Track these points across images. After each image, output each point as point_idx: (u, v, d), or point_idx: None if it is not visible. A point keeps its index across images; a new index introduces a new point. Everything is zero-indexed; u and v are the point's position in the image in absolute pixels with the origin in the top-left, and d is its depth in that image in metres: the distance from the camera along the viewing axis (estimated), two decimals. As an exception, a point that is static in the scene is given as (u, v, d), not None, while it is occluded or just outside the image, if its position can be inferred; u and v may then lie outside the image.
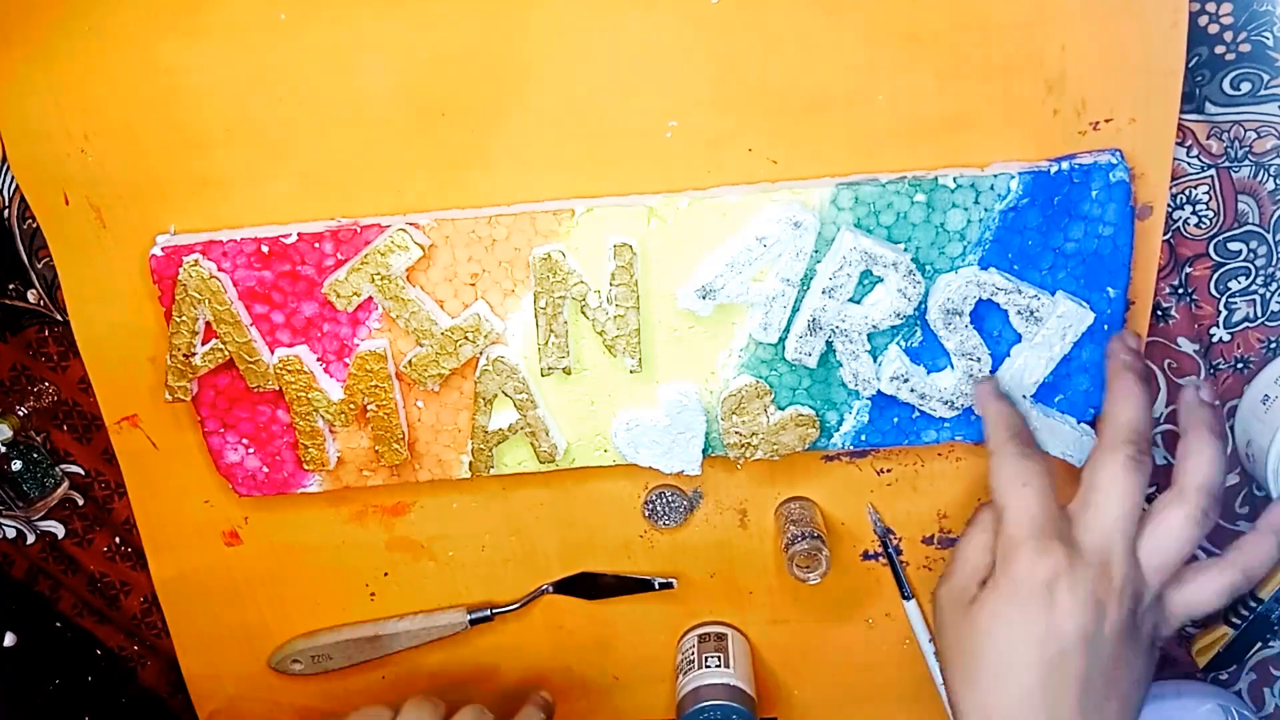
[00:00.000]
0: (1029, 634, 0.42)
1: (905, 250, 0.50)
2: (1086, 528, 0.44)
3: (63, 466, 0.59)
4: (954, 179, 0.49)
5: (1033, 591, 0.42)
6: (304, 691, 0.65)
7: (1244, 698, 0.64)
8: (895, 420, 0.54)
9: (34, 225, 0.53)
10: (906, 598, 0.60)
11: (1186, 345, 0.55)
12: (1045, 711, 0.42)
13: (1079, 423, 0.54)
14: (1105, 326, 0.51)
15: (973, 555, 0.47)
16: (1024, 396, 0.52)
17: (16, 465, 0.56)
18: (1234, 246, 0.53)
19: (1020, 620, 0.42)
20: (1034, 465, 0.45)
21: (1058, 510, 0.44)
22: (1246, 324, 0.54)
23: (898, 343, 0.52)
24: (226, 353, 0.52)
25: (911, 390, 0.52)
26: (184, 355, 0.52)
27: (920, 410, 0.53)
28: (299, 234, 0.50)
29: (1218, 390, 0.56)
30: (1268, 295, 0.54)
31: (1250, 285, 0.53)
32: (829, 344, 0.52)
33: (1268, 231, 0.52)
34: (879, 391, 0.53)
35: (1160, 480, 0.58)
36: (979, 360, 0.52)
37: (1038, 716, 0.42)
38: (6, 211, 0.53)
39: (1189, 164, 0.51)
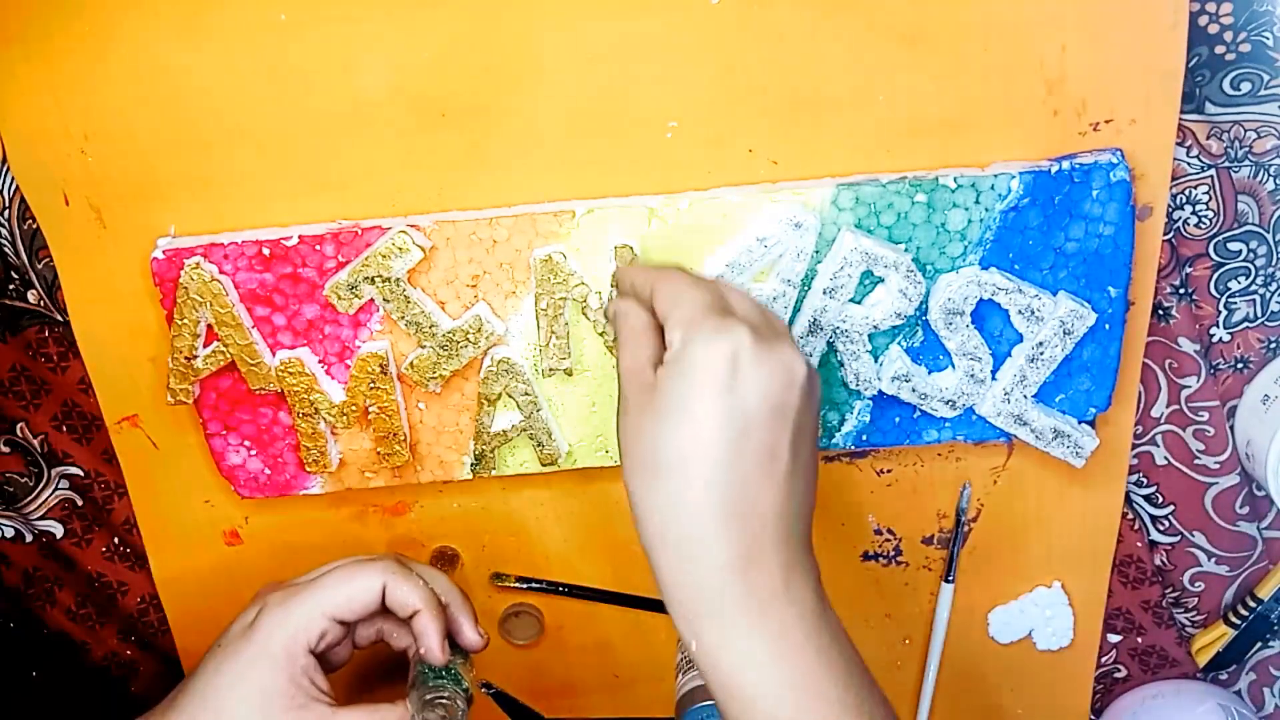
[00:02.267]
0: (713, 411, 0.39)
1: (906, 250, 0.50)
2: (750, 314, 0.43)
3: (62, 467, 0.59)
4: (955, 179, 0.49)
5: (717, 364, 0.40)
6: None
7: (1244, 698, 0.64)
8: (896, 420, 0.54)
9: (34, 225, 0.53)
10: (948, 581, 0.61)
11: (1187, 345, 0.55)
12: (730, 492, 0.40)
13: (1079, 423, 0.54)
14: (1106, 326, 0.51)
15: (634, 363, 0.43)
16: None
17: None
18: (1234, 246, 0.53)
19: (705, 392, 0.40)
20: (698, 279, 0.43)
21: (725, 305, 0.42)
22: (1246, 324, 0.54)
23: (899, 343, 0.52)
24: (228, 355, 0.52)
25: (913, 390, 0.52)
26: (186, 358, 0.52)
27: (921, 410, 0.53)
28: (300, 236, 0.50)
29: (1218, 390, 0.56)
30: (1268, 295, 0.54)
31: (1250, 285, 0.54)
32: (830, 344, 0.52)
33: (1268, 231, 0.52)
34: (880, 391, 0.53)
35: (1160, 480, 0.58)
36: (980, 360, 0.52)
37: (722, 500, 0.40)
38: (7, 212, 0.53)
39: (1189, 164, 0.51)
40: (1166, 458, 0.58)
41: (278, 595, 0.50)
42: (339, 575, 0.50)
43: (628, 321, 0.44)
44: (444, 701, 0.51)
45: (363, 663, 0.58)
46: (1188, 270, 0.53)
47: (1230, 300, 0.54)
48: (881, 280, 0.50)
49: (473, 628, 0.53)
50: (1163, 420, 0.57)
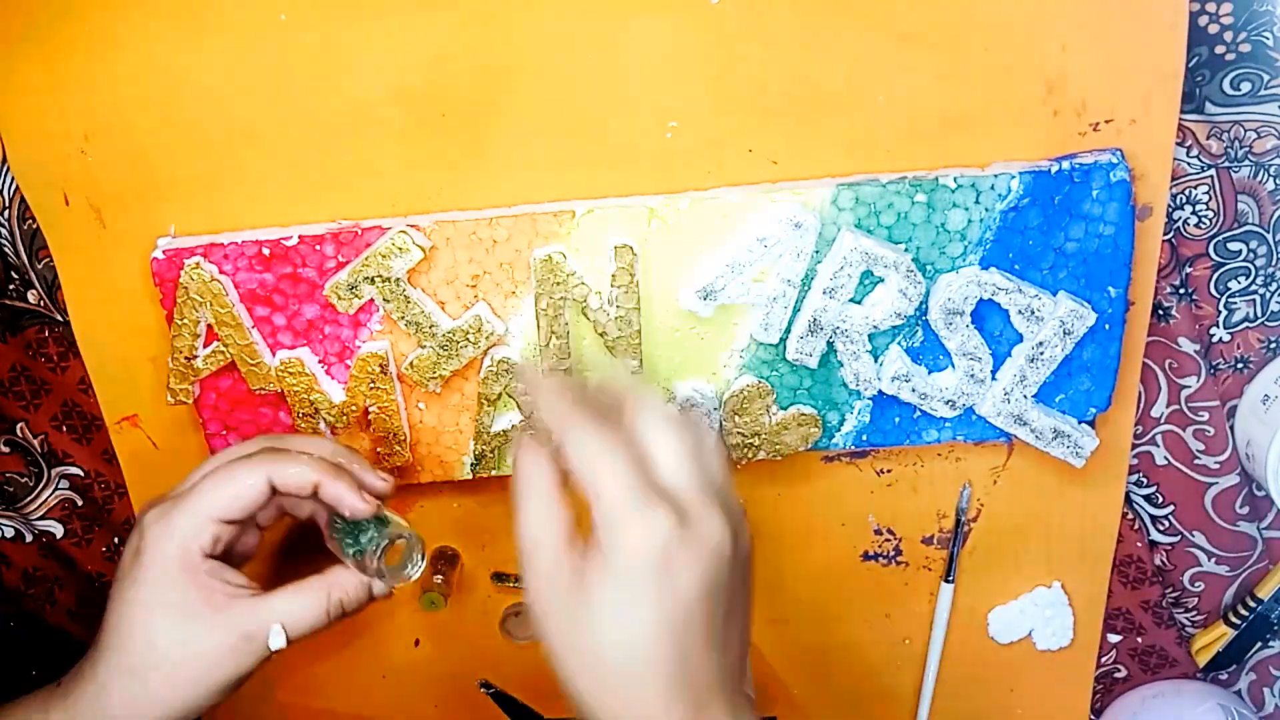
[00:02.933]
0: (651, 605, 0.39)
1: (906, 250, 0.50)
2: (672, 481, 0.41)
3: (62, 467, 0.59)
4: (954, 179, 0.49)
5: (648, 562, 0.39)
6: (305, 689, 0.65)
7: (1244, 698, 0.64)
8: (896, 420, 0.54)
9: (34, 225, 0.53)
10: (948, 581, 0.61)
11: (1187, 345, 0.55)
12: (676, 669, 0.40)
13: (1079, 423, 0.54)
14: (1106, 326, 0.51)
15: (544, 535, 0.42)
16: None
17: None
18: (1234, 246, 0.53)
19: (642, 594, 0.39)
20: (613, 434, 0.41)
21: (650, 474, 0.41)
22: (1246, 324, 0.54)
23: (899, 343, 0.52)
24: (228, 355, 0.52)
25: (913, 390, 0.52)
26: (186, 358, 0.52)
27: (921, 410, 0.53)
28: (300, 236, 0.50)
29: (1218, 390, 0.56)
30: (1268, 295, 0.54)
31: (1250, 285, 0.54)
32: (830, 344, 0.52)
33: (1268, 231, 0.52)
34: (880, 391, 0.53)
35: (1160, 480, 0.58)
36: (980, 360, 0.52)
37: (670, 680, 0.40)
38: (7, 212, 0.53)
39: (1189, 164, 0.51)
40: (1166, 458, 0.58)
41: (155, 512, 0.47)
42: (218, 479, 0.47)
43: (530, 482, 0.43)
44: (404, 539, 0.49)
45: (275, 540, 0.56)
46: (1188, 270, 0.53)
47: (1230, 300, 0.54)
48: (881, 280, 0.50)
49: (374, 475, 0.50)
50: (1163, 420, 0.57)
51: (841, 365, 0.52)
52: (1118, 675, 0.65)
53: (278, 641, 0.47)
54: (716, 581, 0.40)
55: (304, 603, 0.49)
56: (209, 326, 0.51)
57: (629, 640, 0.40)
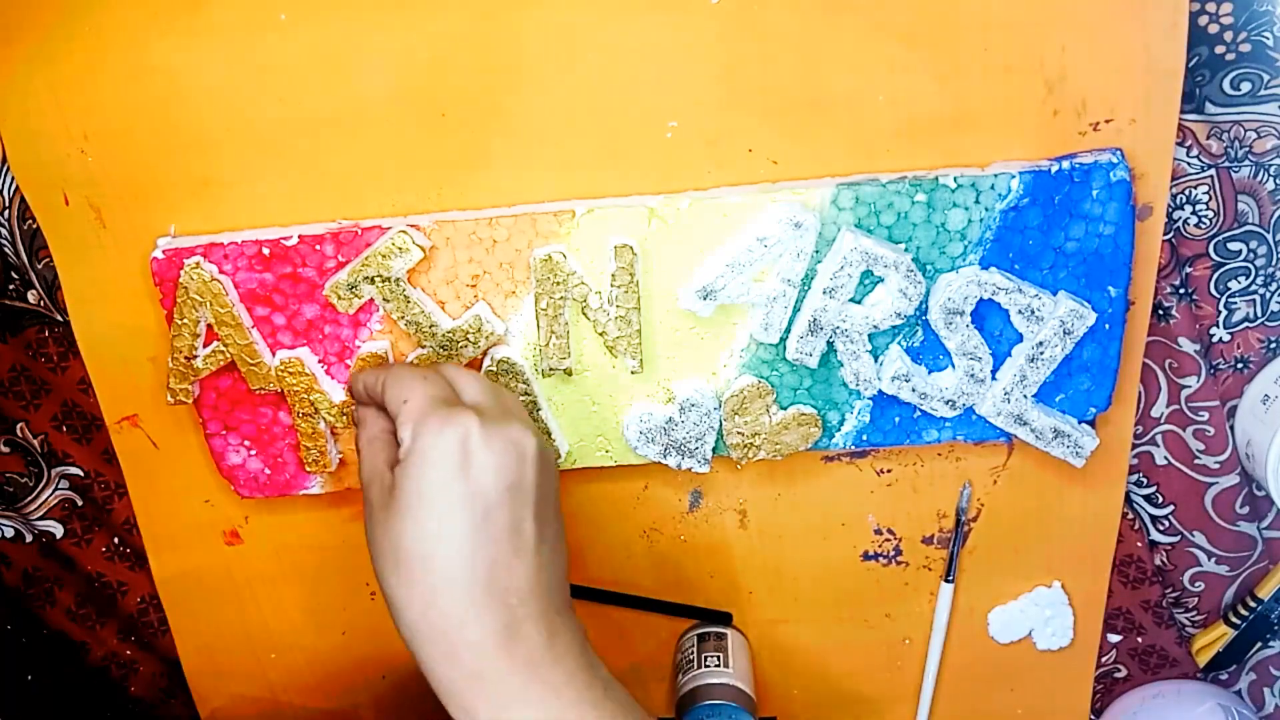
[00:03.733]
0: (451, 500, 0.41)
1: (906, 250, 0.50)
2: (475, 399, 0.45)
3: (62, 467, 0.59)
4: (954, 179, 0.49)
5: (447, 455, 0.41)
6: (305, 689, 0.65)
7: (1244, 698, 0.64)
8: (896, 420, 0.54)
9: (34, 225, 0.53)
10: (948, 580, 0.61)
11: (1187, 345, 0.55)
12: (482, 571, 0.41)
13: (1079, 423, 0.54)
14: (1106, 326, 0.51)
15: (376, 465, 0.45)
16: (1007, 397, 0.52)
17: None
18: (1234, 246, 0.53)
19: (441, 486, 0.41)
20: (423, 368, 0.46)
21: (455, 393, 0.45)
22: (1246, 324, 0.54)
23: (899, 342, 0.52)
24: (228, 355, 0.52)
25: (913, 390, 0.52)
26: (186, 358, 0.52)
27: (921, 410, 0.53)
28: (300, 236, 0.50)
29: (1218, 390, 0.56)
30: (1268, 295, 0.54)
31: (1250, 285, 0.54)
32: (830, 344, 0.52)
33: (1268, 231, 0.52)
34: (880, 391, 0.53)
35: (1160, 480, 0.58)
36: (980, 360, 0.52)
37: (474, 581, 0.41)
38: (7, 212, 0.53)
39: (1189, 164, 0.51)
40: (1166, 458, 0.58)
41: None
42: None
43: (364, 429, 0.47)
44: None
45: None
46: (1188, 270, 0.53)
47: (1230, 300, 0.54)
48: (881, 280, 0.50)
49: None
50: (1163, 420, 0.57)
51: (841, 365, 0.52)
52: (1118, 675, 0.65)
53: None
54: (518, 482, 0.42)
55: None
56: (209, 326, 0.51)
57: (430, 534, 0.41)
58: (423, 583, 0.42)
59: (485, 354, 0.52)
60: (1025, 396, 0.52)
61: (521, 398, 0.53)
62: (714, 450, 0.55)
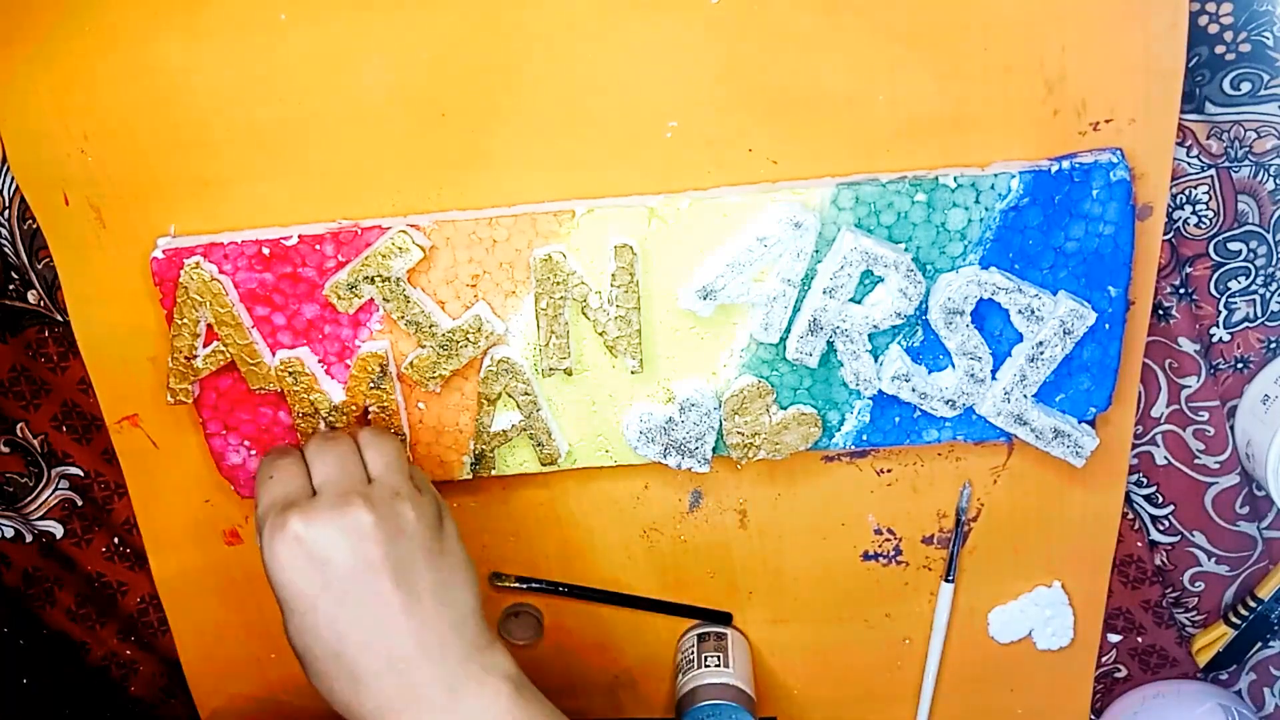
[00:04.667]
0: (303, 600, 0.44)
1: (906, 250, 0.50)
2: (322, 483, 0.46)
3: (62, 467, 0.59)
4: (955, 178, 0.49)
5: (289, 571, 0.43)
6: (305, 690, 0.65)
7: (1244, 698, 0.64)
8: (896, 420, 0.54)
9: (34, 225, 0.53)
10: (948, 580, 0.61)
11: (1187, 345, 0.55)
12: (354, 651, 0.44)
13: (1079, 422, 0.54)
14: (1106, 325, 0.51)
15: None
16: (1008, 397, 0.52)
17: None
18: (1234, 246, 0.53)
19: (290, 591, 0.44)
20: (282, 461, 0.47)
21: (300, 486, 0.46)
22: (1246, 324, 0.54)
23: (899, 342, 0.52)
24: (228, 355, 0.52)
25: (913, 390, 0.52)
26: (185, 358, 0.52)
27: (921, 410, 0.53)
28: (300, 236, 0.50)
29: (1218, 390, 0.56)
30: (1268, 295, 0.54)
31: (1250, 285, 0.54)
32: (830, 344, 0.52)
33: (1268, 231, 0.52)
34: (880, 391, 0.53)
35: (1160, 480, 0.58)
36: (980, 359, 0.52)
37: (353, 663, 0.44)
38: (7, 212, 0.53)
39: (1189, 164, 0.51)
40: (1166, 458, 0.58)
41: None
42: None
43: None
44: None
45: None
46: (1188, 270, 0.53)
47: (1230, 300, 0.54)
48: (881, 280, 0.50)
49: None
50: (1163, 420, 0.57)
51: (841, 365, 0.52)
52: (1118, 675, 0.65)
53: None
54: (363, 561, 0.44)
55: None
56: (209, 326, 0.51)
57: (300, 632, 0.45)
58: (320, 674, 0.45)
59: (485, 354, 0.52)
60: (1025, 396, 0.52)
61: (521, 398, 0.53)
62: (714, 450, 0.55)
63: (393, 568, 0.44)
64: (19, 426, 0.58)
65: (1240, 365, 0.55)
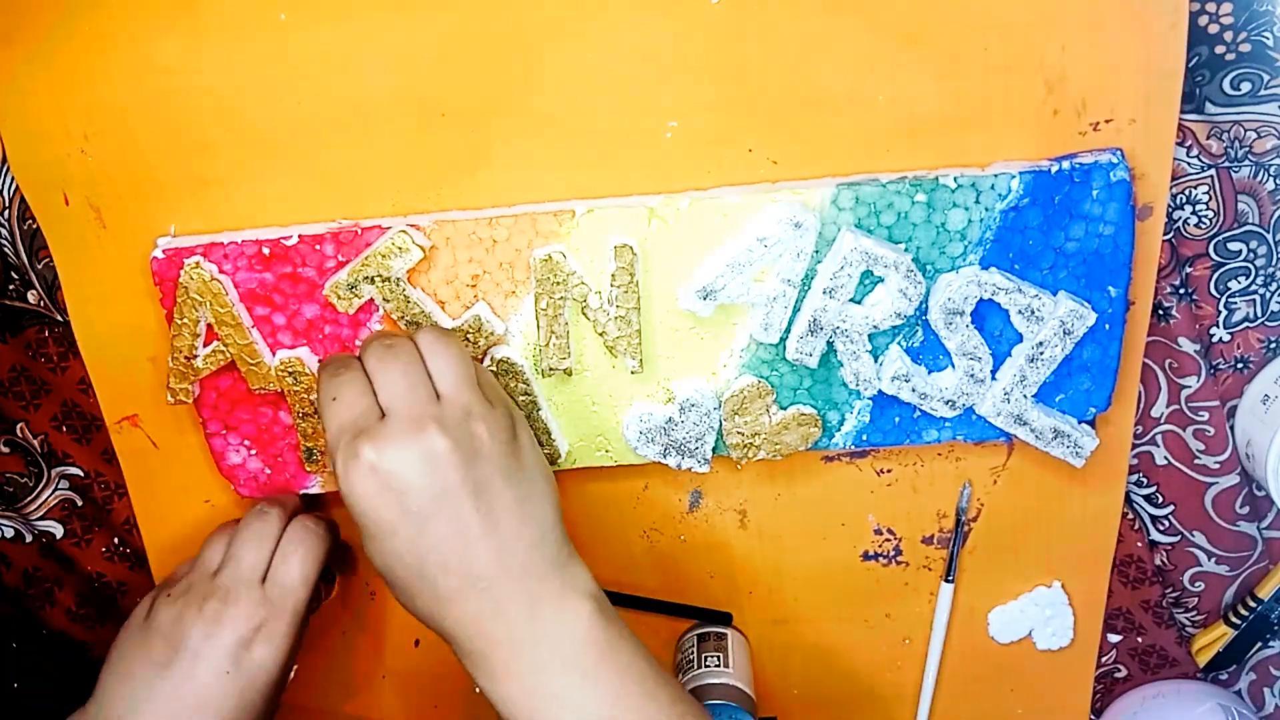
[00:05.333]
0: (383, 528, 0.44)
1: (906, 250, 0.50)
2: (390, 403, 0.45)
3: (62, 467, 0.59)
4: (955, 179, 0.49)
5: (365, 495, 0.43)
6: (305, 690, 0.65)
7: (1244, 698, 0.64)
8: (896, 420, 0.54)
9: (34, 225, 0.53)
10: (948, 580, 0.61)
11: (1187, 345, 0.55)
12: (436, 573, 0.44)
13: (1079, 423, 0.54)
14: (1106, 326, 0.51)
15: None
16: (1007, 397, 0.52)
17: None
18: (1234, 246, 0.53)
19: (371, 520, 0.44)
20: (342, 378, 0.46)
21: (368, 405, 0.45)
22: (1246, 324, 0.54)
23: (899, 342, 0.52)
24: (228, 355, 0.52)
25: (913, 390, 0.52)
26: (185, 357, 0.52)
27: (921, 410, 0.53)
28: (300, 236, 0.50)
29: (1218, 390, 0.56)
30: (1268, 295, 0.54)
31: (1250, 285, 0.54)
32: (830, 344, 0.52)
33: (1268, 231, 0.52)
34: (880, 391, 0.53)
35: (1160, 480, 0.58)
36: (980, 360, 0.52)
37: (435, 586, 0.44)
38: (6, 212, 0.53)
39: (1189, 164, 0.51)
40: (1166, 458, 0.58)
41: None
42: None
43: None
44: None
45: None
46: (1188, 270, 0.53)
47: (1230, 300, 0.54)
48: (881, 280, 0.50)
49: None
50: (1163, 420, 0.57)
51: (841, 365, 0.52)
52: (1118, 675, 0.65)
53: None
54: (440, 487, 0.44)
55: None
56: (209, 326, 0.51)
57: (385, 556, 0.45)
58: (402, 589, 0.46)
59: (485, 353, 0.52)
60: (1025, 396, 0.52)
61: (521, 397, 0.53)
62: (714, 450, 0.55)
63: (471, 490, 0.44)
64: (19, 426, 0.58)
65: (1240, 365, 0.55)
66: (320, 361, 0.50)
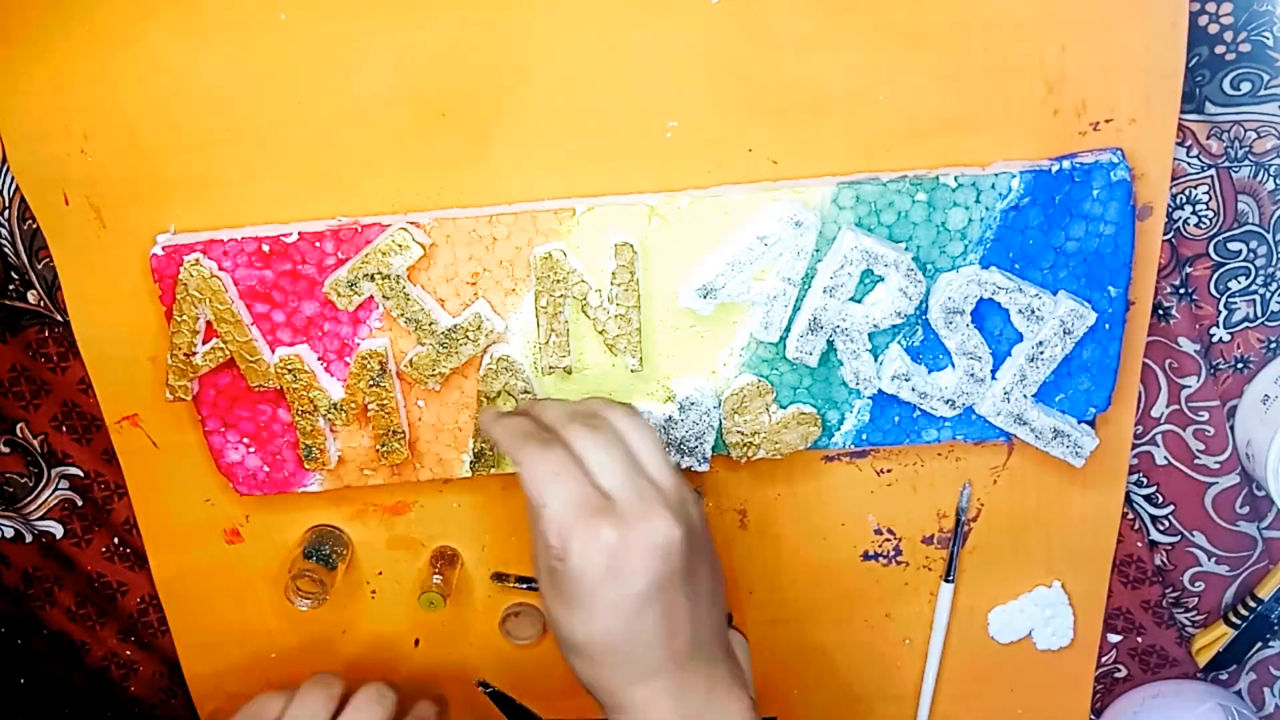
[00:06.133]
0: (605, 605, 0.44)
1: (906, 249, 0.50)
2: (610, 487, 0.45)
3: (62, 467, 0.59)
4: (955, 178, 0.49)
5: (596, 572, 0.43)
6: (304, 692, 0.65)
7: (1244, 698, 0.64)
8: (896, 419, 0.54)
9: (34, 225, 0.53)
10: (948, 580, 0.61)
11: (1187, 345, 0.55)
12: (641, 651, 0.44)
13: (1079, 422, 0.54)
14: (1106, 325, 0.51)
15: (538, 538, 0.46)
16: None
17: None
18: (1234, 246, 0.53)
19: (595, 596, 0.44)
20: (556, 453, 0.45)
21: (591, 486, 0.45)
22: (1246, 324, 0.54)
23: (899, 342, 0.52)
24: (227, 352, 0.52)
25: (913, 389, 0.52)
26: (185, 354, 0.52)
27: (921, 409, 0.53)
28: (300, 233, 0.50)
29: (1218, 390, 0.56)
30: (1268, 295, 0.54)
31: (1250, 285, 0.54)
32: (830, 343, 0.52)
33: (1268, 231, 0.52)
34: (880, 390, 0.53)
35: (1159, 480, 0.58)
36: (980, 359, 0.52)
37: (635, 661, 0.45)
38: (6, 212, 0.53)
39: (1189, 164, 0.51)
40: (1166, 458, 0.58)
41: None
42: None
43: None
44: None
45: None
46: (1188, 270, 0.53)
47: (1230, 300, 0.54)
48: (882, 279, 0.50)
49: None
50: (1163, 420, 0.57)
51: (841, 364, 0.52)
52: (1118, 675, 0.65)
53: None
54: (667, 574, 0.44)
55: None
56: (208, 323, 0.51)
57: (593, 629, 0.45)
58: (591, 660, 0.46)
59: (485, 351, 0.52)
60: (1025, 396, 0.52)
61: (521, 396, 0.53)
62: (713, 449, 0.55)
63: (685, 576, 0.45)
64: (19, 426, 0.58)
65: (1240, 365, 0.55)
66: (494, 424, 0.48)
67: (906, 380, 0.52)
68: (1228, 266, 0.53)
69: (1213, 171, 0.51)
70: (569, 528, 0.44)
